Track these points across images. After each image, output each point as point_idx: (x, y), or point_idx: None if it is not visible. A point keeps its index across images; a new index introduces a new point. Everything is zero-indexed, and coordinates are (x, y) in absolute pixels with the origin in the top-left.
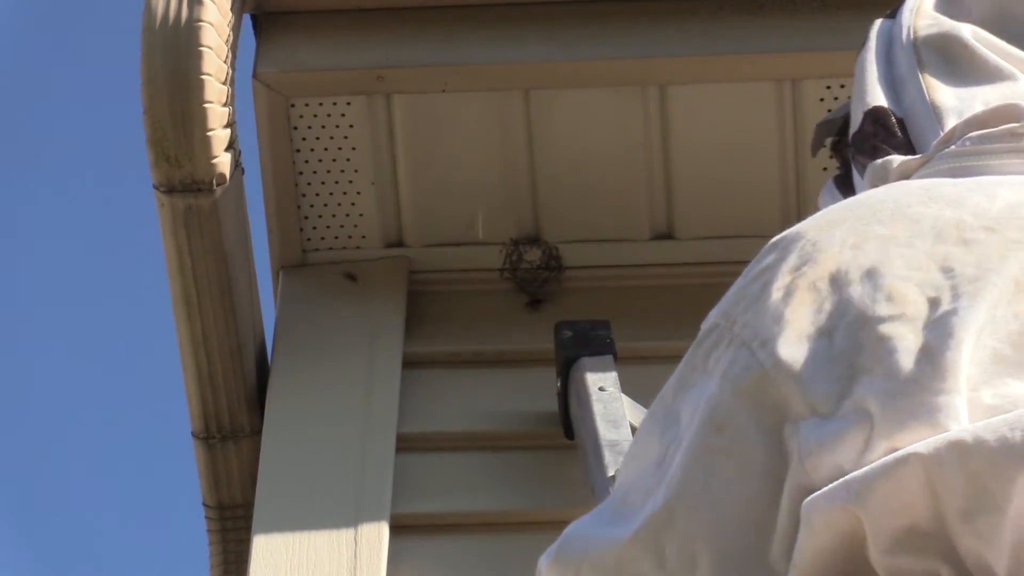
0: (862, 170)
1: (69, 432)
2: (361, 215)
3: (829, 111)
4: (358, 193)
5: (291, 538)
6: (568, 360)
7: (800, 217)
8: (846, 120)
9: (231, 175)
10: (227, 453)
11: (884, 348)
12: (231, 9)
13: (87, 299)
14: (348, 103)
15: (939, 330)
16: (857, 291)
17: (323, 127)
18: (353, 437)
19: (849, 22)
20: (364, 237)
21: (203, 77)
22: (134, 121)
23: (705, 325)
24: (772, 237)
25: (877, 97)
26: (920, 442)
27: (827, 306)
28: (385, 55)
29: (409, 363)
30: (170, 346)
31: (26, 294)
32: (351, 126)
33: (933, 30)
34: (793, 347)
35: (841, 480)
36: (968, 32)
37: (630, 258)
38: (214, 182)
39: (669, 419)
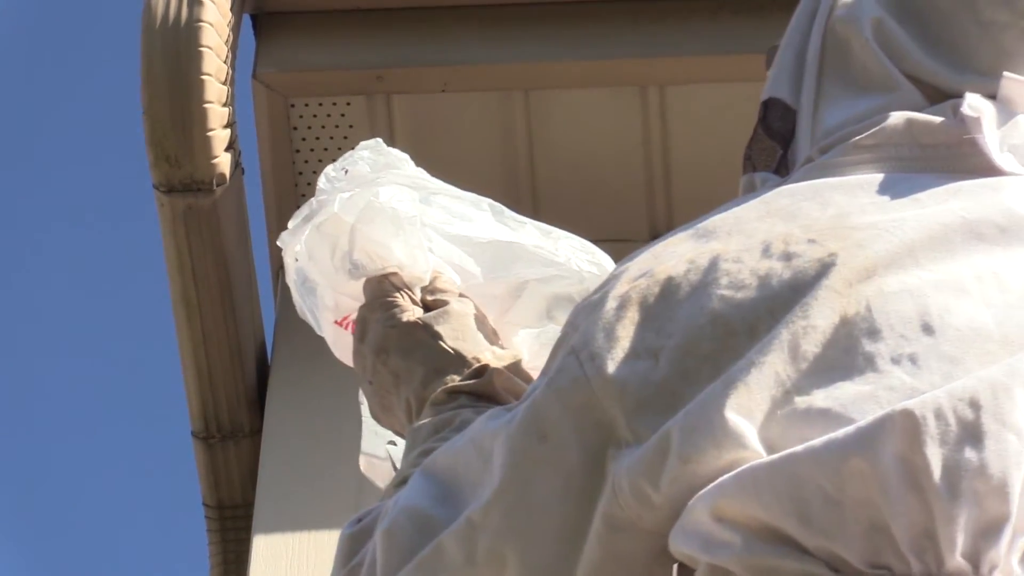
0: (755, 158)
1: (69, 432)
2: None
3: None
4: None
5: (291, 538)
6: None
7: None
8: None
9: (231, 175)
10: (227, 453)
11: (702, 378)
12: (231, 9)
13: (87, 299)
14: (348, 103)
15: (747, 359)
16: (685, 313)
17: (323, 127)
18: (353, 437)
19: None
20: None
21: (203, 77)
22: (134, 121)
23: (562, 331)
24: None
25: (781, 82)
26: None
27: (656, 324)
28: (385, 55)
29: None
30: (170, 346)
31: (25, 294)
32: (351, 126)
33: (844, 12)
34: (620, 366)
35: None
36: (869, 28)
37: None
38: (214, 182)
39: (504, 412)
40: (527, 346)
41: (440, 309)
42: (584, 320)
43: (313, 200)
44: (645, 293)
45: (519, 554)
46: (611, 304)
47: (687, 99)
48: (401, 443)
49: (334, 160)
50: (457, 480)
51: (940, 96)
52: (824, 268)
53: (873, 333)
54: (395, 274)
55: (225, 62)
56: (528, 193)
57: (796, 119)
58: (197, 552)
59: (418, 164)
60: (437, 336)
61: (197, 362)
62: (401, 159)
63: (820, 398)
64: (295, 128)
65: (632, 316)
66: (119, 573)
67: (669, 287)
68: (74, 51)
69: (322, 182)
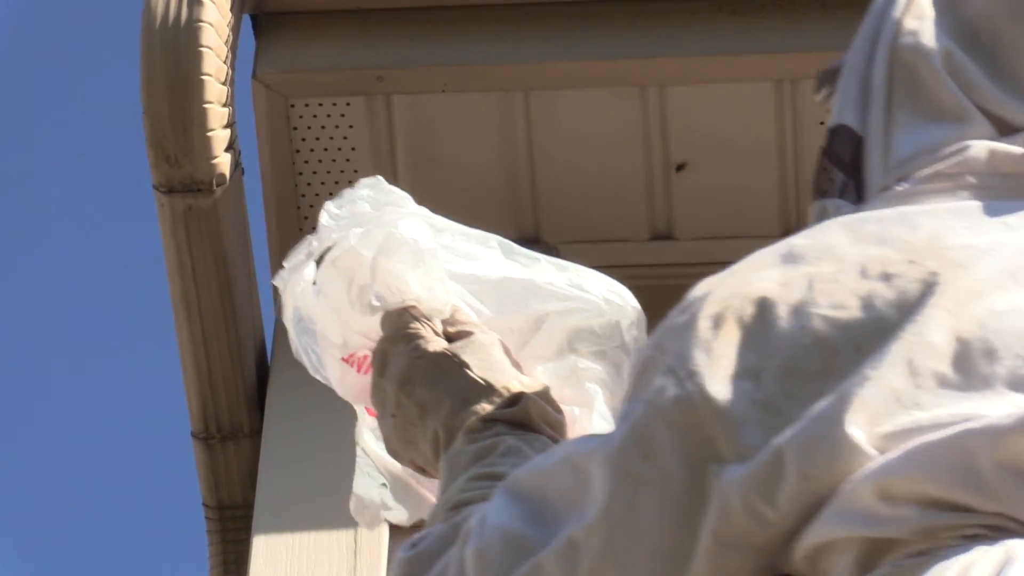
0: (823, 185)
1: (69, 432)
2: None
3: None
4: None
5: (291, 538)
6: None
7: (800, 216)
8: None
9: (231, 175)
10: (227, 453)
11: (812, 398)
12: (231, 9)
13: (87, 299)
14: (348, 103)
15: (858, 375)
16: (786, 331)
17: (323, 127)
18: (353, 437)
19: (849, 22)
20: None
21: (203, 77)
22: (134, 121)
23: (640, 361)
24: (772, 237)
25: (847, 108)
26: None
27: (755, 344)
28: (385, 55)
29: None
30: (170, 346)
31: (25, 294)
32: (351, 126)
33: (911, 40)
34: (721, 385)
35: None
36: (940, 59)
37: (630, 258)
38: (214, 182)
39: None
40: (548, 379)
41: (466, 339)
42: (674, 341)
43: (312, 238)
44: (740, 313)
45: (622, 573)
46: (704, 323)
47: (687, 99)
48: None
49: (334, 160)
50: (546, 500)
51: (1008, 128)
52: (928, 287)
53: (990, 354)
54: (414, 307)
55: (225, 62)
56: (528, 193)
57: (863, 146)
58: (197, 552)
59: (418, 164)
60: (465, 365)
61: (197, 362)
62: (403, 197)
63: (941, 414)
64: (295, 128)
65: (729, 335)
66: (119, 573)
67: (765, 308)
68: (74, 51)
69: (324, 219)
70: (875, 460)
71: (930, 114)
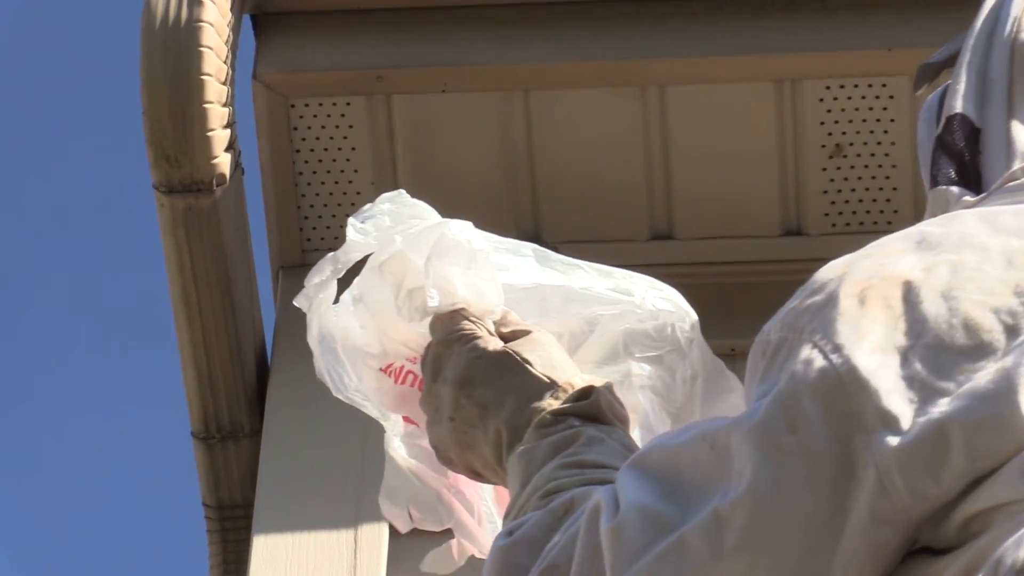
0: (937, 173)
1: (68, 432)
2: None
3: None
4: (358, 193)
5: (291, 538)
6: None
7: (800, 216)
8: (949, 60)
9: (231, 175)
10: (227, 453)
11: (962, 377)
12: (231, 9)
13: (86, 299)
14: (348, 103)
15: (1017, 352)
16: (932, 313)
17: (323, 127)
18: (353, 437)
19: (849, 22)
20: None
21: (203, 77)
22: (134, 121)
23: (767, 338)
24: (772, 237)
25: (965, 98)
26: None
27: (902, 325)
28: (385, 55)
29: None
30: (170, 346)
31: (25, 294)
32: (351, 126)
33: None
34: (868, 358)
35: None
36: None
37: (629, 258)
38: (214, 182)
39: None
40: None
41: (525, 337)
42: (814, 320)
43: (336, 255)
44: (885, 294)
45: (769, 546)
46: (848, 302)
47: (687, 99)
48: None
49: (334, 160)
50: (681, 477)
51: None
52: None
53: None
54: (465, 308)
55: (225, 62)
56: (528, 193)
57: (980, 137)
58: (197, 552)
59: (418, 164)
60: (527, 362)
61: (197, 362)
62: (426, 210)
63: None
64: (295, 128)
65: (875, 314)
66: (119, 573)
67: (911, 291)
68: (74, 51)
69: (351, 233)
70: None
71: None
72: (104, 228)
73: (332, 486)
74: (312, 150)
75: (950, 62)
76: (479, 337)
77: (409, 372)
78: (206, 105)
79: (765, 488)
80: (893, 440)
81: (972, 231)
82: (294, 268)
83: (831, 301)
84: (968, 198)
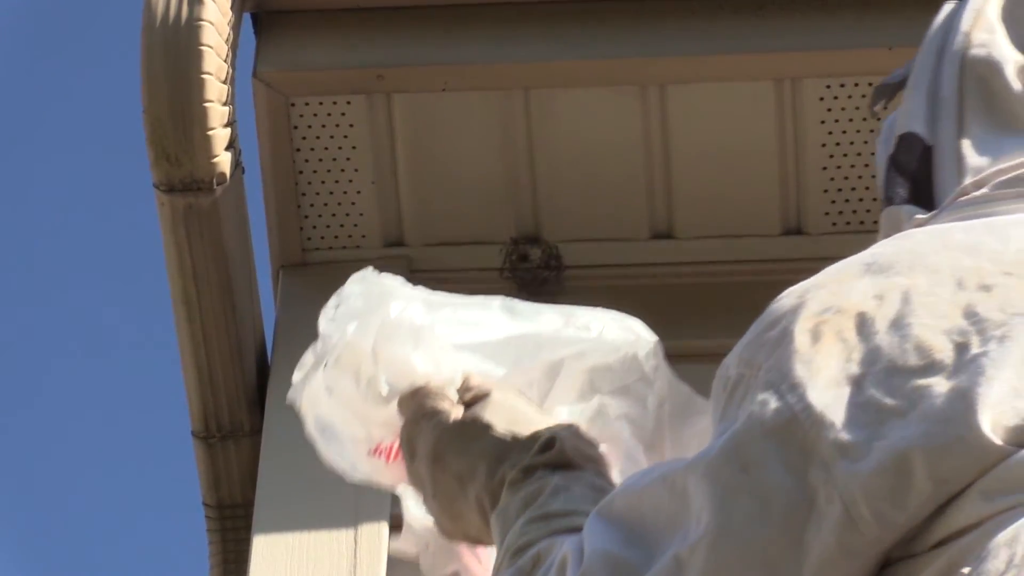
0: (891, 192)
1: (69, 431)
2: (361, 215)
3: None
4: (358, 193)
5: (291, 538)
6: None
7: (800, 215)
8: (902, 83)
9: (231, 174)
10: (227, 453)
11: (915, 395)
12: (231, 8)
13: (86, 298)
14: (348, 102)
15: (970, 371)
16: (885, 341)
17: (323, 126)
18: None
19: (849, 22)
20: (364, 237)
21: (203, 76)
22: (134, 121)
23: (727, 374)
24: (772, 236)
25: (915, 117)
26: None
27: (855, 356)
28: (385, 55)
29: None
30: (170, 346)
31: (25, 293)
32: (351, 125)
33: (982, 52)
34: (823, 393)
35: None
36: (1012, 68)
37: (630, 257)
38: (214, 181)
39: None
40: (575, 422)
41: (484, 400)
42: (769, 356)
43: (317, 345)
44: (838, 328)
45: None
46: (802, 338)
47: (687, 99)
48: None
49: (334, 160)
50: (644, 521)
51: None
52: None
53: None
54: (425, 385)
55: (225, 61)
56: (528, 192)
57: (932, 155)
58: (197, 552)
59: (418, 163)
60: (489, 426)
61: (197, 362)
62: (396, 283)
63: None
64: (295, 127)
65: (829, 349)
66: (119, 573)
67: (864, 322)
68: (74, 50)
69: (323, 324)
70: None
71: (1004, 124)
72: (104, 228)
73: (332, 486)
74: (312, 149)
75: (902, 83)
76: (441, 411)
77: (398, 448)
78: (206, 104)
79: (721, 529)
80: (854, 468)
81: (923, 250)
82: (294, 267)
83: (786, 337)
84: (920, 216)
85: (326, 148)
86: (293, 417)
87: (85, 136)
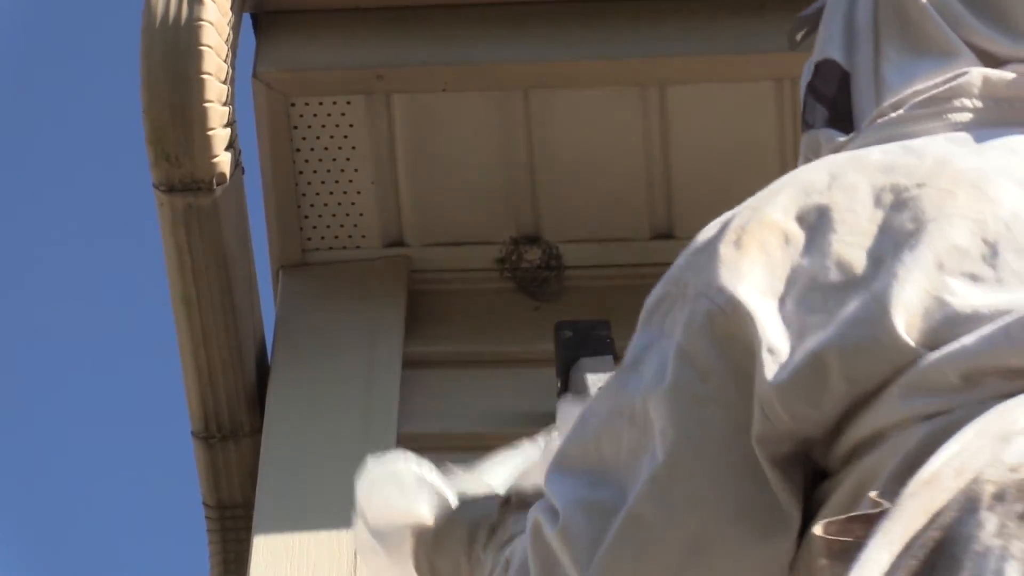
0: (810, 118)
1: (69, 432)
2: (361, 215)
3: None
4: (358, 193)
5: (291, 538)
6: (568, 360)
7: None
8: (820, 14)
9: (231, 174)
10: (227, 453)
11: (835, 307)
12: (231, 8)
13: (87, 298)
14: (348, 103)
15: (884, 278)
16: (806, 259)
17: (323, 127)
18: (353, 437)
19: None
20: (364, 237)
21: (203, 76)
22: (134, 121)
23: (652, 299)
24: None
25: (832, 44)
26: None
27: (778, 271)
28: (385, 55)
29: (409, 363)
30: (170, 346)
31: (26, 293)
32: (351, 126)
33: None
34: (750, 294)
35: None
36: None
37: (630, 258)
38: (214, 181)
39: (627, 379)
40: (507, 473)
41: (428, 527)
42: (695, 271)
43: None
44: (761, 239)
45: (716, 491)
46: (727, 249)
47: (687, 99)
48: None
49: (334, 160)
50: (604, 461)
51: (994, 62)
52: (944, 203)
53: (1019, 251)
54: (409, 529)
55: (225, 61)
56: (528, 193)
57: (850, 81)
58: (197, 552)
59: (418, 164)
60: (455, 520)
61: (197, 362)
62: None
63: (975, 305)
64: (295, 127)
65: (752, 257)
66: (119, 573)
67: (786, 240)
68: (74, 50)
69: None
70: (949, 346)
71: (919, 49)
72: (104, 228)
73: (332, 486)
74: (312, 149)
75: (820, 14)
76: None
77: None
78: (206, 104)
79: (691, 440)
80: (771, 374)
81: (840, 171)
82: (294, 268)
83: (711, 254)
84: (840, 139)
85: (326, 148)
86: (293, 417)
87: (85, 136)
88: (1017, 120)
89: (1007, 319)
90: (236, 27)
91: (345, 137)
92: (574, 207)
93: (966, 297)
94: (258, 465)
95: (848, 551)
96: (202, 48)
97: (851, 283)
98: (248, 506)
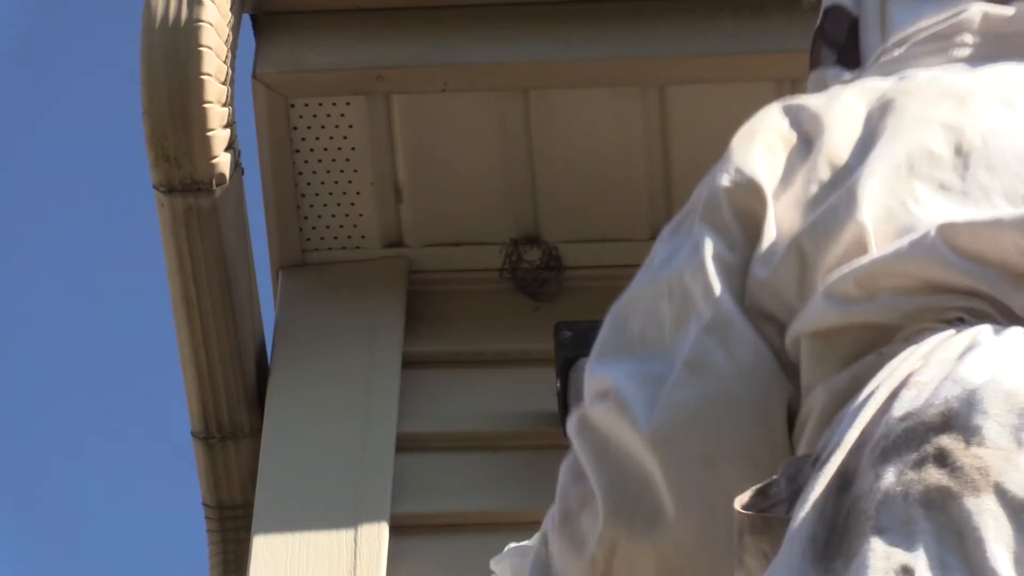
0: (817, 59)
1: (69, 432)
2: (361, 215)
3: None
4: (358, 193)
5: (291, 538)
6: (568, 360)
7: None
8: None
9: (231, 175)
10: (227, 453)
11: (821, 202)
12: (231, 9)
13: (87, 299)
14: (348, 103)
15: (860, 171)
16: (802, 161)
17: (323, 127)
18: (353, 437)
19: None
20: (364, 237)
21: (203, 77)
22: (134, 121)
23: (675, 218)
24: None
25: None
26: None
27: (778, 170)
28: (385, 55)
29: (409, 363)
30: (170, 346)
31: (26, 294)
32: (351, 126)
33: None
34: (760, 167)
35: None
36: None
37: (630, 258)
38: (214, 182)
39: (658, 273)
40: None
41: None
42: (711, 180)
43: None
44: (767, 140)
45: (764, 346)
46: (739, 141)
47: (687, 99)
48: None
49: (334, 160)
50: (647, 344)
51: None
52: (927, 107)
53: (990, 167)
54: None
55: (225, 62)
56: (528, 193)
57: (857, 26)
58: (197, 552)
59: (418, 164)
60: None
61: (197, 362)
62: None
63: (939, 213)
64: (295, 128)
65: (761, 151)
66: (119, 573)
67: (786, 141)
68: (74, 50)
69: None
70: (865, 256)
71: None
72: (104, 228)
73: (332, 486)
74: (312, 150)
75: None
76: None
77: None
78: (206, 105)
79: (735, 297)
80: (763, 264)
81: (838, 92)
82: (294, 268)
83: (723, 159)
84: (846, 76)
85: (325, 149)
86: (293, 417)
87: (85, 137)
88: (1016, 55)
89: (914, 235)
90: (236, 28)
91: (345, 138)
92: (574, 207)
93: (928, 207)
94: (258, 465)
95: (771, 527)
96: (202, 49)
97: (836, 180)
98: (248, 506)
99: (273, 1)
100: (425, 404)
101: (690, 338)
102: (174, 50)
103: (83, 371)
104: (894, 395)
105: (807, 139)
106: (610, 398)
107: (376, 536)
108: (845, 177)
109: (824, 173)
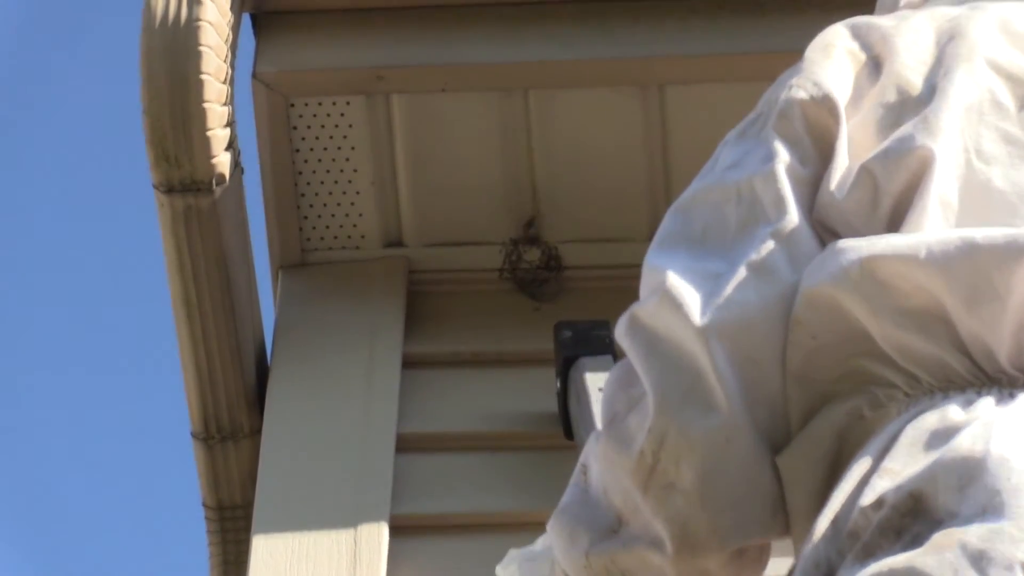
0: None
1: (68, 432)
2: (361, 215)
3: None
4: (358, 193)
5: (291, 538)
6: (567, 360)
7: None
8: None
9: (231, 175)
10: (227, 453)
11: (890, 126)
12: (231, 9)
13: (87, 299)
14: (348, 103)
15: (935, 103)
16: (873, 82)
17: (323, 127)
18: (353, 437)
19: None
20: (364, 237)
21: (203, 77)
22: (134, 121)
23: (745, 120)
24: None
25: None
26: (931, 236)
27: (849, 88)
28: (385, 55)
29: (409, 363)
30: (170, 346)
31: (26, 294)
32: (351, 126)
33: None
34: (834, 84)
35: (853, 256)
36: None
37: (630, 258)
38: (214, 182)
39: (725, 175)
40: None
41: None
42: (782, 88)
43: None
44: (841, 57)
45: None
46: (815, 53)
47: (687, 99)
48: None
49: (334, 160)
50: (705, 238)
51: None
52: (999, 50)
53: None
54: None
55: (225, 61)
56: (528, 193)
57: None
58: (197, 552)
59: (418, 164)
60: None
61: (197, 362)
62: None
63: (998, 177)
64: (295, 128)
65: (837, 66)
66: (119, 573)
67: (859, 61)
68: (74, 50)
69: None
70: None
71: None
72: (104, 228)
73: (332, 486)
74: (312, 150)
75: None
76: None
77: None
78: (206, 104)
79: (804, 209)
80: (835, 183)
81: (908, 15)
82: (294, 268)
83: (799, 63)
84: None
85: (325, 148)
86: (293, 417)
87: (85, 137)
88: None
89: (947, 238)
90: (236, 27)
91: (345, 137)
92: (574, 207)
93: (989, 160)
94: (258, 465)
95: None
96: (202, 48)
97: (906, 107)
98: (248, 507)
99: (273, 1)
100: (425, 404)
101: (755, 242)
102: (174, 50)
103: (83, 371)
104: (865, 481)
105: (876, 61)
106: (662, 293)
107: (376, 536)
108: (916, 106)
109: (892, 97)
